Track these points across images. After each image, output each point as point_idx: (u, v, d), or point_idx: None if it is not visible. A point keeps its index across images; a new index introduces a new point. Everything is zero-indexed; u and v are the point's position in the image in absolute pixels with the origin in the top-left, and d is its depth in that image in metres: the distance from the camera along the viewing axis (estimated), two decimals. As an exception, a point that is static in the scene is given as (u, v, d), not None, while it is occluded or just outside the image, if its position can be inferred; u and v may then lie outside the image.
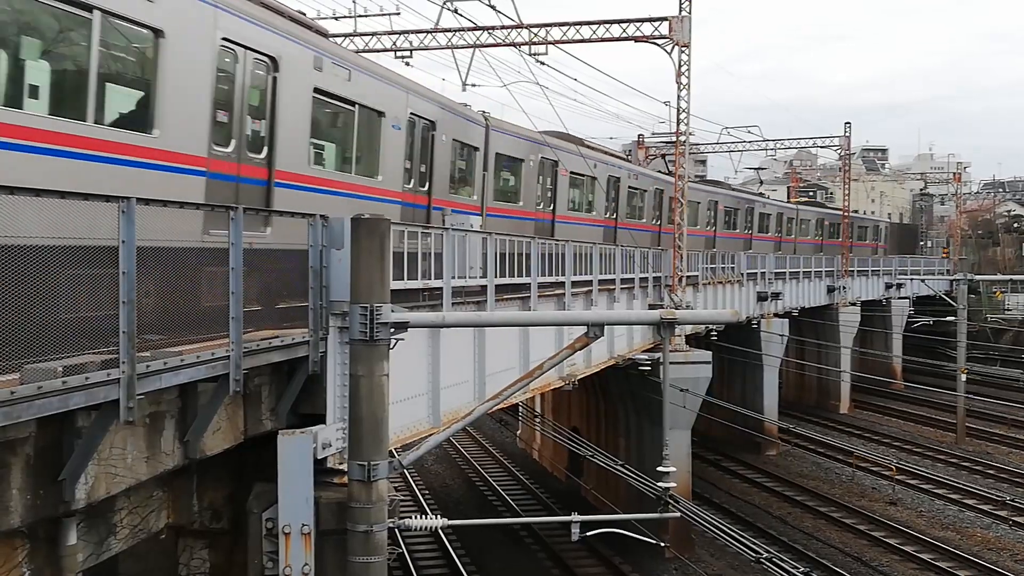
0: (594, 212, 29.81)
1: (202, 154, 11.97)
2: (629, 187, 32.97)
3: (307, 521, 10.31)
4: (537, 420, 34.27)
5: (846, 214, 54.54)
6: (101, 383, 7.39)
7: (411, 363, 13.13)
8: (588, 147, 29.85)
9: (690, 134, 29.30)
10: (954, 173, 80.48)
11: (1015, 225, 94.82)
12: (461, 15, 25.65)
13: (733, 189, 49.07)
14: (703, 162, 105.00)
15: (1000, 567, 25.26)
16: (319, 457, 10.63)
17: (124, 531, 9.45)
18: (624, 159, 34.92)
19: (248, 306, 9.60)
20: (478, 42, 27.08)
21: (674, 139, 30.47)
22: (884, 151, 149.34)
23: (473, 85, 27.85)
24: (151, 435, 8.96)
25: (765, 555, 14.06)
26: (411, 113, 18.16)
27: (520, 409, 35.90)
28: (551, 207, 26.45)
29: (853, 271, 52.07)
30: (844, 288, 50.29)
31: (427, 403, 14.01)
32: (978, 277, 57.84)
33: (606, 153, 32.17)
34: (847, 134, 51.54)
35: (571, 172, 27.34)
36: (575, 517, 11.33)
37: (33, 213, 6.95)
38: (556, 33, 26.82)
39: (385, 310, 10.17)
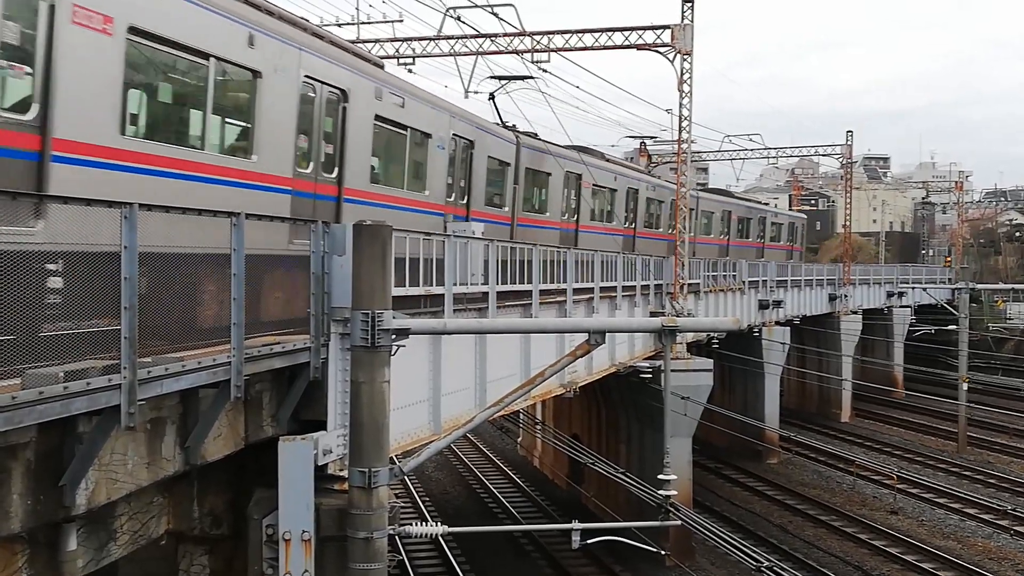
0: (308, 166, 14.50)
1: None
2: (414, 131, 18.08)
3: (307, 527, 10.30)
4: (538, 427, 34.24)
5: (847, 226, 54.50)
6: (102, 388, 7.39)
7: (412, 370, 13.13)
8: (336, 45, 16.01)
9: (692, 141, 29.34)
10: (956, 182, 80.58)
11: (1017, 234, 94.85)
12: (464, 22, 25.71)
13: (607, 159, 33.13)
14: (705, 170, 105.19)
15: (1001, 577, 25.23)
16: (320, 463, 10.63)
17: (124, 537, 9.44)
18: (406, 82, 19.19)
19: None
20: (480, 49, 27.14)
21: (676, 146, 30.45)
22: (886, 159, 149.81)
23: (476, 92, 27.75)
24: (152, 441, 8.95)
25: (766, 564, 14.05)
26: None
27: (521, 416, 35.89)
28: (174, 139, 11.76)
29: (855, 280, 52.08)
30: (846, 296, 50.29)
31: (428, 410, 14.00)
32: (980, 286, 57.91)
33: (360, 56, 17.01)
34: (849, 142, 51.58)
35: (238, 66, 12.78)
36: (576, 525, 11.32)
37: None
38: (558, 41, 26.88)
39: (387, 316, 10.17)
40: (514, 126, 25.90)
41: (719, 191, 51.83)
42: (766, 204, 63.32)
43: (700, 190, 47.46)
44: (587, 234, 28.84)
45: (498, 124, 24.94)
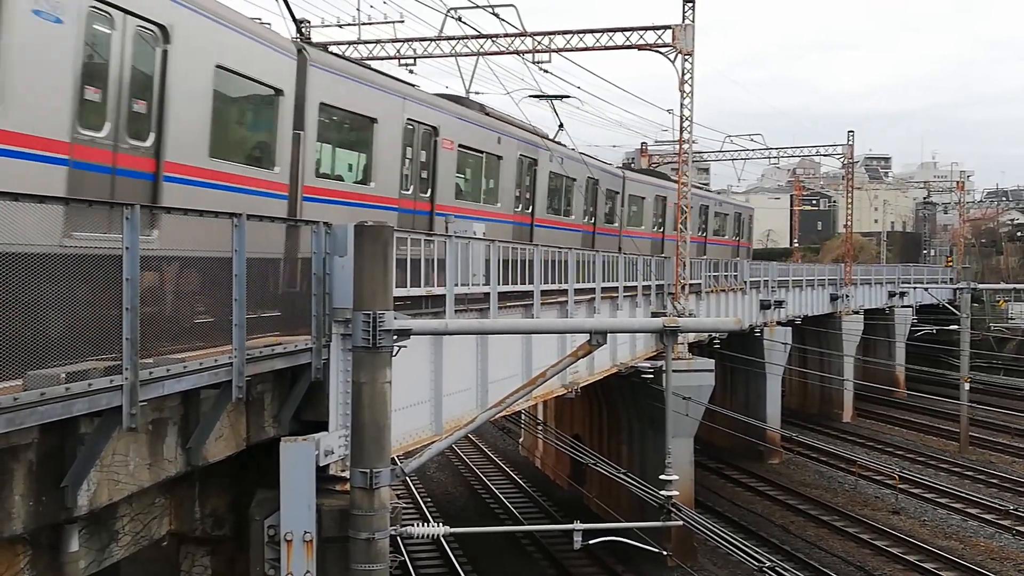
0: None
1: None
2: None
3: (309, 528, 10.30)
4: (539, 428, 34.24)
5: (849, 226, 54.40)
6: (104, 389, 7.39)
7: (414, 370, 13.13)
8: None
9: (693, 142, 29.30)
10: (957, 182, 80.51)
11: (1018, 234, 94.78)
12: (465, 23, 25.71)
13: (488, 114, 22.71)
14: (706, 170, 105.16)
15: (1003, 577, 25.20)
16: (321, 464, 10.63)
17: (126, 538, 9.44)
18: None
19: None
20: (482, 50, 27.14)
21: (677, 147, 30.39)
22: (887, 159, 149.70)
23: (477, 93, 27.59)
24: (153, 442, 8.95)
25: (767, 564, 14.04)
26: None
27: (522, 416, 35.91)
28: None
29: (856, 280, 52.06)
30: (847, 296, 50.29)
31: (429, 410, 14.01)
32: (981, 286, 57.88)
33: None
34: (850, 142, 51.57)
35: None
36: (578, 525, 11.31)
37: None
38: (559, 41, 26.87)
39: (388, 317, 10.17)
40: (310, 39, 16.97)
41: (650, 172, 40.03)
42: (709, 190, 52.62)
43: (627, 169, 36.95)
44: (456, 219, 19.25)
45: (258, 20, 15.26)
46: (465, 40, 27.06)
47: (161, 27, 11.19)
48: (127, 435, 8.30)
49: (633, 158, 58.45)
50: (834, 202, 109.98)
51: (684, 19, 26.31)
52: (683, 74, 26.80)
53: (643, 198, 34.83)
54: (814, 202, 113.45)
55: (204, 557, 11.43)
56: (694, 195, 39.70)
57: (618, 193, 32.19)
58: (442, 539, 25.17)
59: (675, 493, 11.01)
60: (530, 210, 24.25)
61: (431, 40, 27.53)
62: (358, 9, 27.86)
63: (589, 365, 20.85)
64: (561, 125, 29.77)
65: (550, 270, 18.69)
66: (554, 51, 26.87)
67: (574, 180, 27.22)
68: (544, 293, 17.97)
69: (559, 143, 27.67)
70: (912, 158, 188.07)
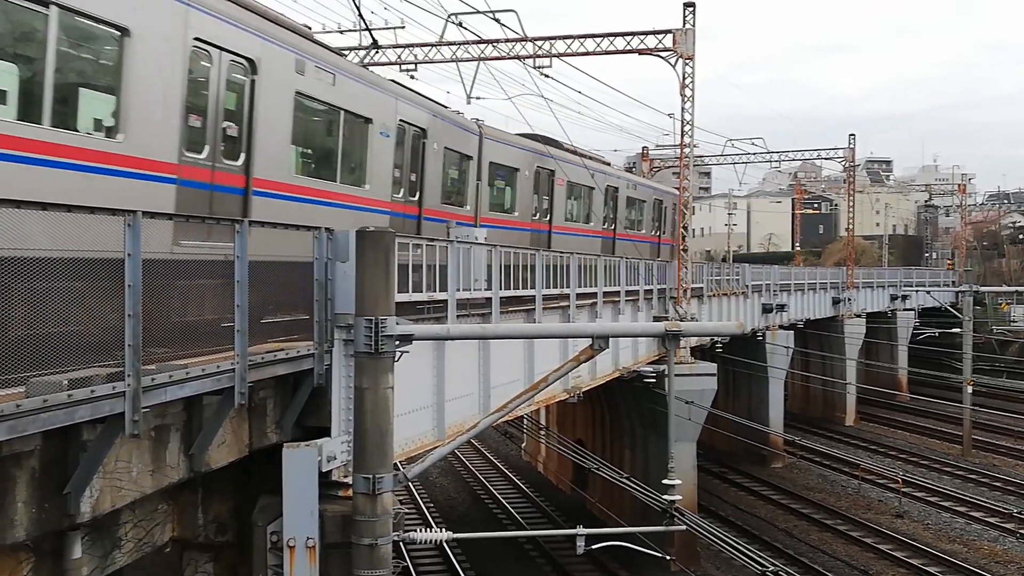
0: None
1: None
2: None
3: (312, 534, 10.29)
4: (542, 433, 34.23)
5: (850, 229, 54.31)
6: (106, 396, 7.38)
7: (416, 375, 13.13)
8: None
9: (694, 146, 29.29)
10: (958, 184, 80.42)
11: (1020, 236, 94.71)
12: (466, 28, 25.72)
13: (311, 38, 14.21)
14: (707, 174, 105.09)
15: (1007, 580, 25.16)
16: (324, 470, 10.62)
17: (129, 544, 9.43)
18: None
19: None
20: (483, 55, 27.16)
21: (678, 151, 30.40)
22: (888, 162, 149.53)
23: (478, 98, 27.43)
24: (156, 448, 8.95)
25: (771, 568, 14.03)
26: None
27: (525, 421, 35.89)
28: None
29: (858, 283, 52.03)
30: (849, 300, 50.27)
31: (432, 416, 14.00)
32: (983, 289, 57.80)
33: None
34: (851, 146, 51.58)
35: None
36: (580, 530, 11.31)
37: None
38: (560, 46, 26.91)
39: (390, 323, 10.17)
40: None
41: (536, 136, 25.53)
42: (618, 168, 37.74)
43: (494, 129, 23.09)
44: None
45: None
46: (466, 45, 27.10)
47: None
48: (130, 442, 8.29)
49: (635, 162, 58.48)
50: (835, 205, 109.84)
51: (685, 23, 26.35)
52: (684, 78, 26.82)
53: (516, 170, 23.68)
54: (815, 205, 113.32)
55: (207, 563, 11.42)
56: (601, 173, 29.86)
57: (472, 159, 21.34)
58: (445, 544, 25.11)
59: (678, 497, 11.01)
60: (243, 161, 12.59)
61: (432, 46, 27.57)
62: (359, 15, 27.86)
63: (591, 370, 20.85)
64: (376, 42, 21.17)
65: (551, 275, 18.71)
66: (555, 56, 26.90)
67: (368, 122, 15.98)
68: (546, 298, 17.97)
69: (340, 55, 17.17)
70: (913, 161, 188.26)
